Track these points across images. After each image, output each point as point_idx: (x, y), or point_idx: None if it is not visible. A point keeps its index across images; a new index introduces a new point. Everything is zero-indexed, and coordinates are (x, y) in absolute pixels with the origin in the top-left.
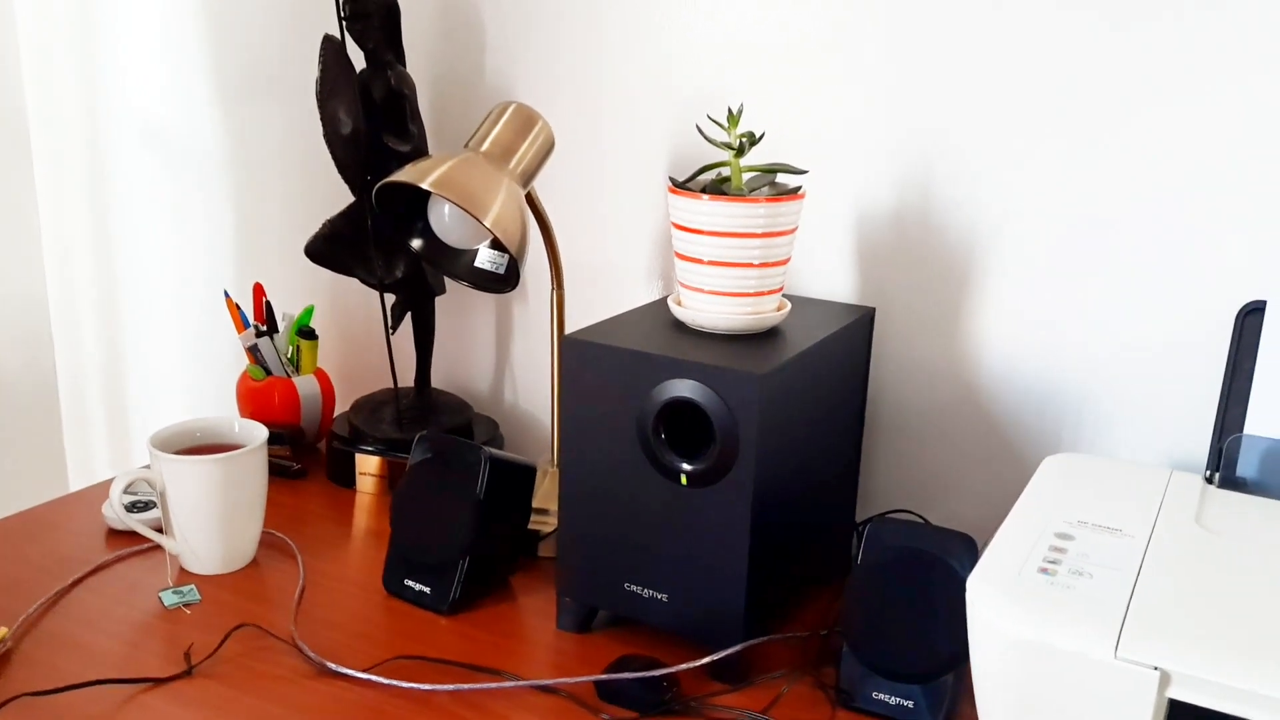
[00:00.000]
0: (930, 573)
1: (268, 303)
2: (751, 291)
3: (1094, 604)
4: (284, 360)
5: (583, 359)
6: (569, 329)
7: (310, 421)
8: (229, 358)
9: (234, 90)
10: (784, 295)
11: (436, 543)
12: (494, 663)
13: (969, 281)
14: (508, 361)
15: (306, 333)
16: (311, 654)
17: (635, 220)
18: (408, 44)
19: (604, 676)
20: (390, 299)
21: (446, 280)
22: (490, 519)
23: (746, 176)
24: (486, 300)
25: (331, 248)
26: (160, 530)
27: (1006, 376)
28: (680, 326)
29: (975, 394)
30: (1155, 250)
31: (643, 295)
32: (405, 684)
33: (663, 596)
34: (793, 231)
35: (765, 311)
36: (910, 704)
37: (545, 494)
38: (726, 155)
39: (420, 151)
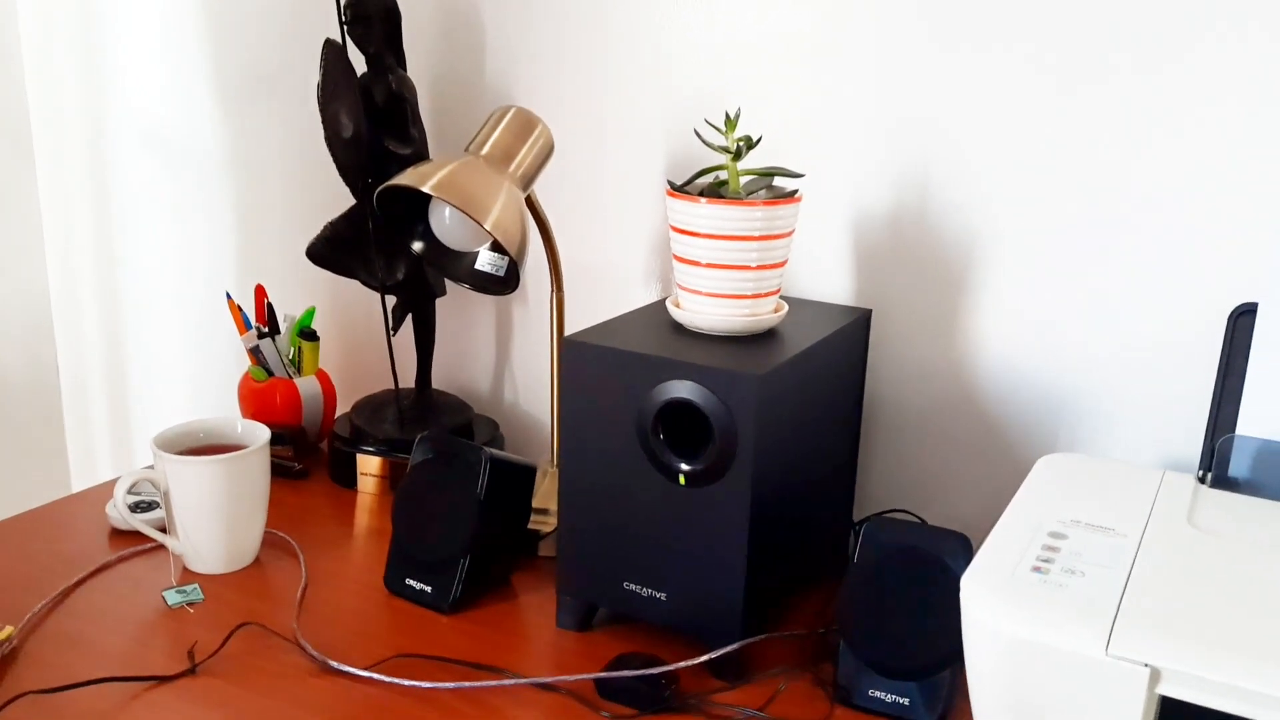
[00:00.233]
0: (926, 571)
1: (269, 304)
2: (749, 294)
3: (1086, 602)
4: (285, 361)
5: (582, 360)
6: (568, 330)
7: (312, 422)
8: (231, 359)
9: (235, 93)
10: (781, 297)
11: (437, 542)
12: (495, 661)
13: (965, 283)
14: (508, 362)
15: (308, 334)
16: (314, 652)
17: (634, 223)
18: (408, 48)
19: (603, 674)
20: (391, 300)
21: (447, 282)
22: (491, 518)
23: (744, 180)
24: (487, 302)
25: (333, 250)
26: (163, 530)
27: (1002, 377)
28: (678, 328)
29: (971, 394)
30: (1149, 253)
31: (641, 297)
32: (407, 681)
33: (661, 595)
34: (789, 234)
35: (762, 313)
36: (906, 701)
37: (545, 494)
38: (724, 159)
39: (421, 155)
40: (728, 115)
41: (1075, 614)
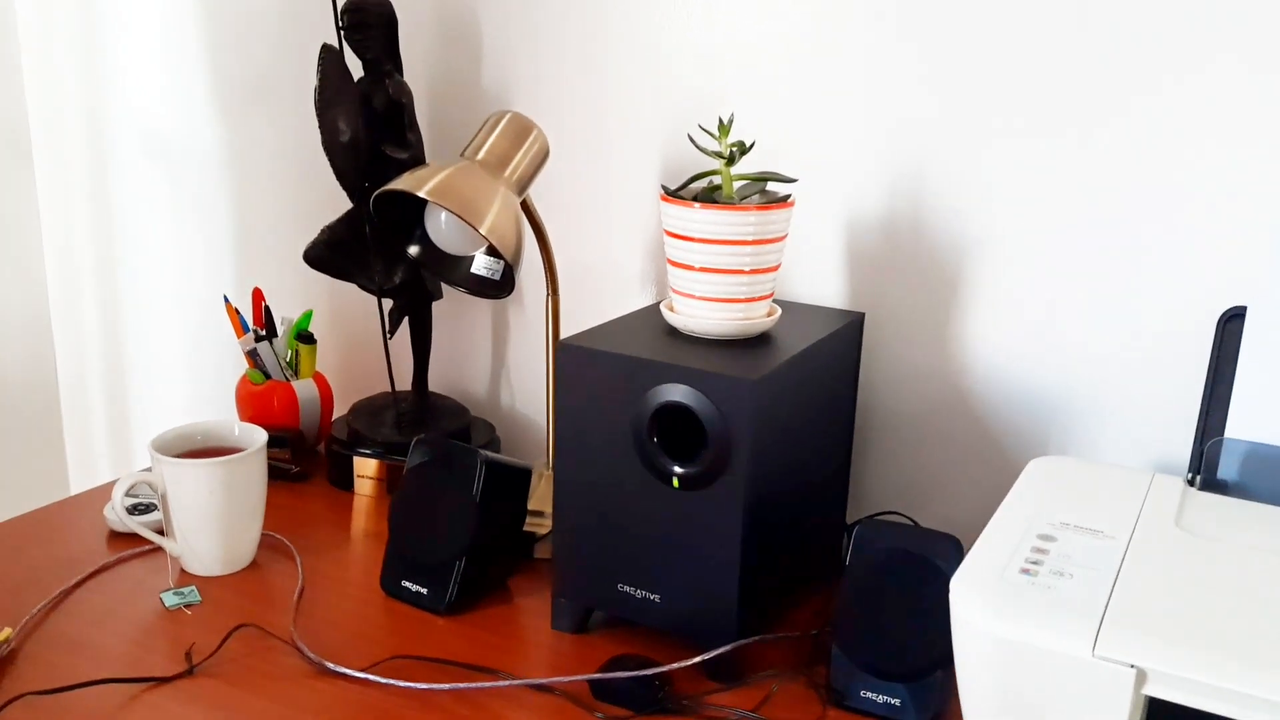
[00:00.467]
0: (918, 573)
1: (267, 307)
2: (742, 297)
3: (1073, 604)
4: (283, 364)
5: (577, 364)
6: (564, 334)
7: (309, 425)
8: (228, 362)
9: (234, 97)
10: (774, 301)
11: (434, 544)
12: (490, 662)
13: (957, 287)
14: (504, 366)
15: (305, 337)
16: (311, 654)
17: (629, 227)
18: (405, 53)
19: (598, 675)
20: (388, 304)
21: (443, 286)
22: (487, 521)
23: (737, 185)
24: (483, 306)
25: (330, 254)
26: (161, 532)
27: (994, 380)
28: (673, 332)
29: (964, 397)
30: (1139, 258)
31: (636, 301)
32: (403, 683)
33: (656, 597)
34: (783, 238)
35: (756, 317)
36: (897, 702)
37: (541, 496)
38: (718, 164)
39: (418, 160)
40: (721, 121)
41: (1062, 615)
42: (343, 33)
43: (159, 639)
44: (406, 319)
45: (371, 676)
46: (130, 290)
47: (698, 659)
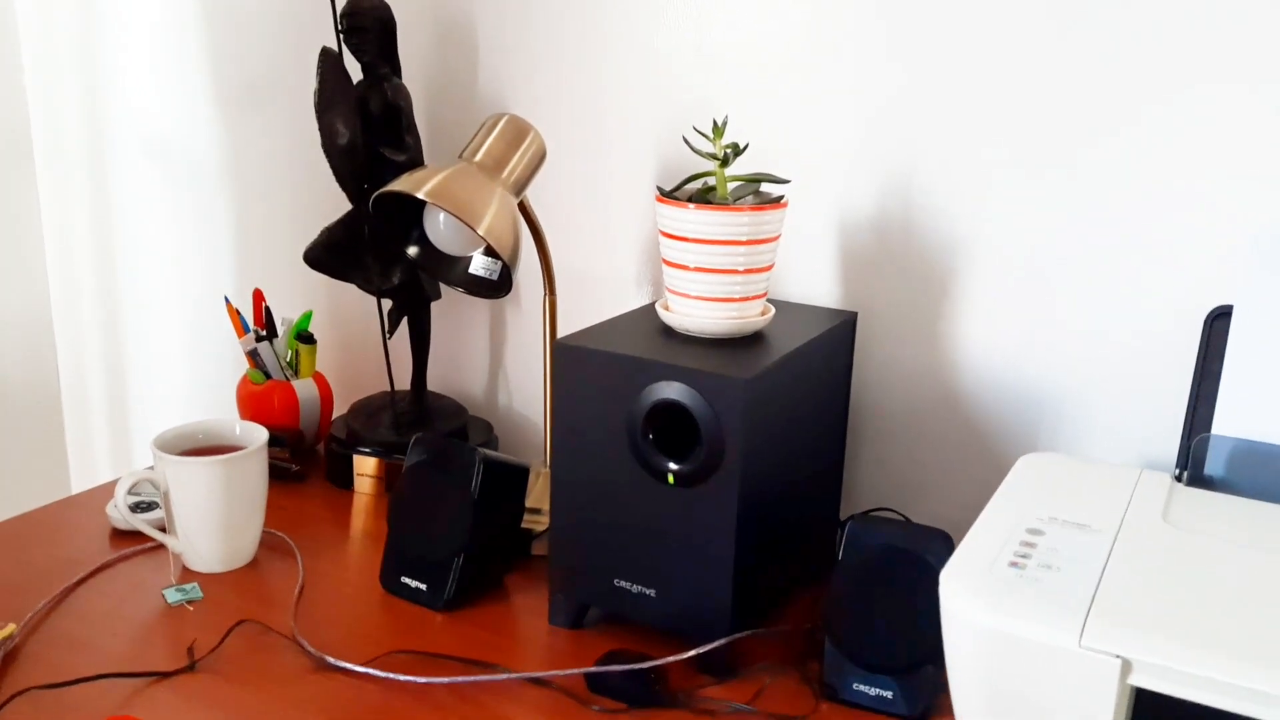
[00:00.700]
0: (909, 569)
1: (267, 308)
2: (736, 297)
3: (1060, 596)
4: (283, 364)
5: (574, 363)
6: (561, 334)
7: (309, 424)
8: (229, 362)
9: (234, 100)
10: (768, 300)
11: (432, 541)
12: (488, 657)
13: (949, 287)
14: (502, 366)
15: (305, 337)
16: (311, 649)
17: (625, 228)
18: (403, 56)
19: (593, 669)
20: (387, 305)
21: (442, 286)
22: (484, 518)
23: (731, 186)
24: (481, 306)
25: (329, 255)
26: (163, 529)
27: (985, 378)
28: (668, 331)
29: (955, 396)
30: (1128, 257)
31: (632, 301)
32: (402, 677)
33: (651, 592)
34: (776, 239)
35: (750, 316)
36: (889, 695)
37: (538, 494)
38: (712, 165)
39: (416, 162)
40: (715, 123)
41: (1050, 607)
42: (341, 36)
43: (161, 635)
44: (405, 319)
45: (371, 671)
46: (131, 291)
47: (692, 653)
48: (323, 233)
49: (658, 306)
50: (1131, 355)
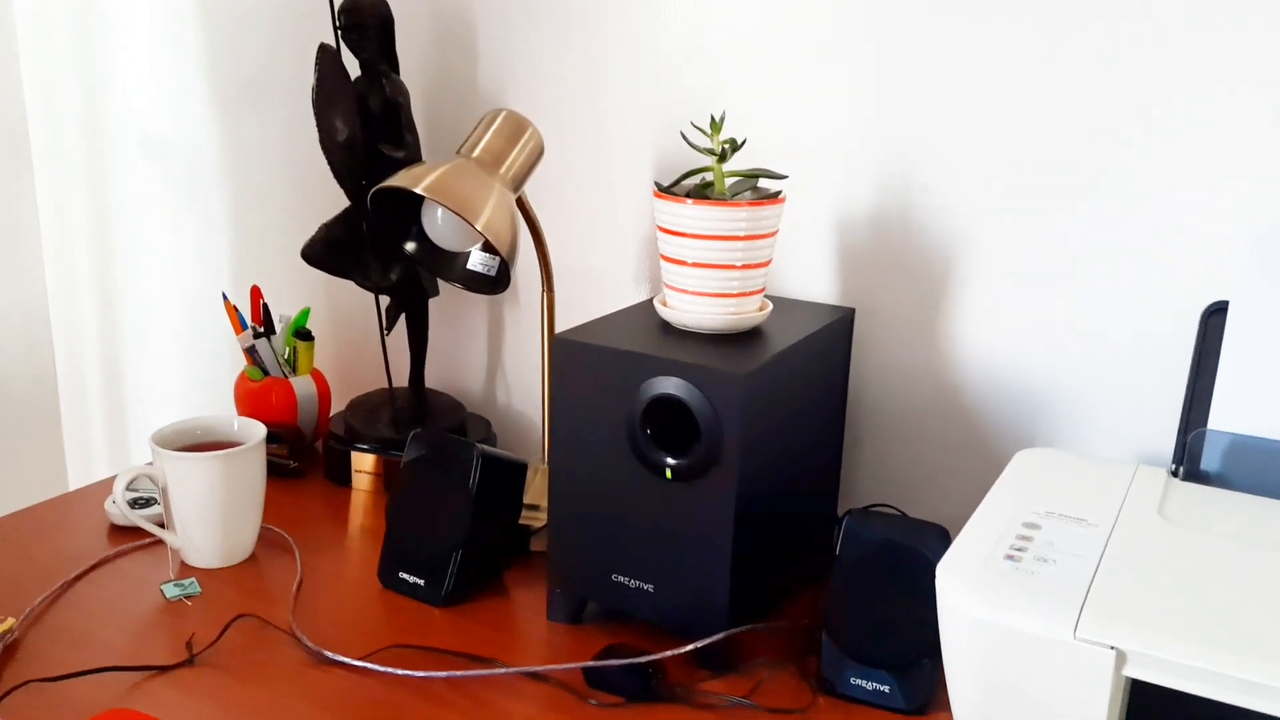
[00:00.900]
0: (906, 563)
1: (265, 305)
2: (734, 292)
3: (1056, 588)
4: (281, 361)
5: (572, 358)
6: (559, 330)
7: (307, 421)
8: (227, 359)
9: (232, 97)
10: (766, 296)
11: (430, 537)
12: (486, 652)
13: (947, 283)
14: (500, 362)
15: (303, 334)
16: (309, 643)
17: (623, 224)
18: (401, 53)
19: (592, 664)
20: (385, 302)
21: (440, 283)
22: (482, 514)
23: (729, 181)
24: (479, 302)
25: (328, 252)
26: (162, 525)
27: (983, 374)
28: (666, 326)
29: (953, 393)
30: (1125, 254)
31: (631, 297)
32: (400, 671)
33: (649, 587)
34: (773, 234)
35: (747, 312)
36: (886, 690)
37: (537, 491)
38: (710, 161)
39: (414, 158)
40: (713, 118)
41: (1045, 599)
42: (340, 33)
43: (159, 629)
44: (403, 316)
45: (369, 665)
46: (128, 288)
47: (689, 648)
48: (321, 230)
49: (656, 302)
50: (1129, 352)
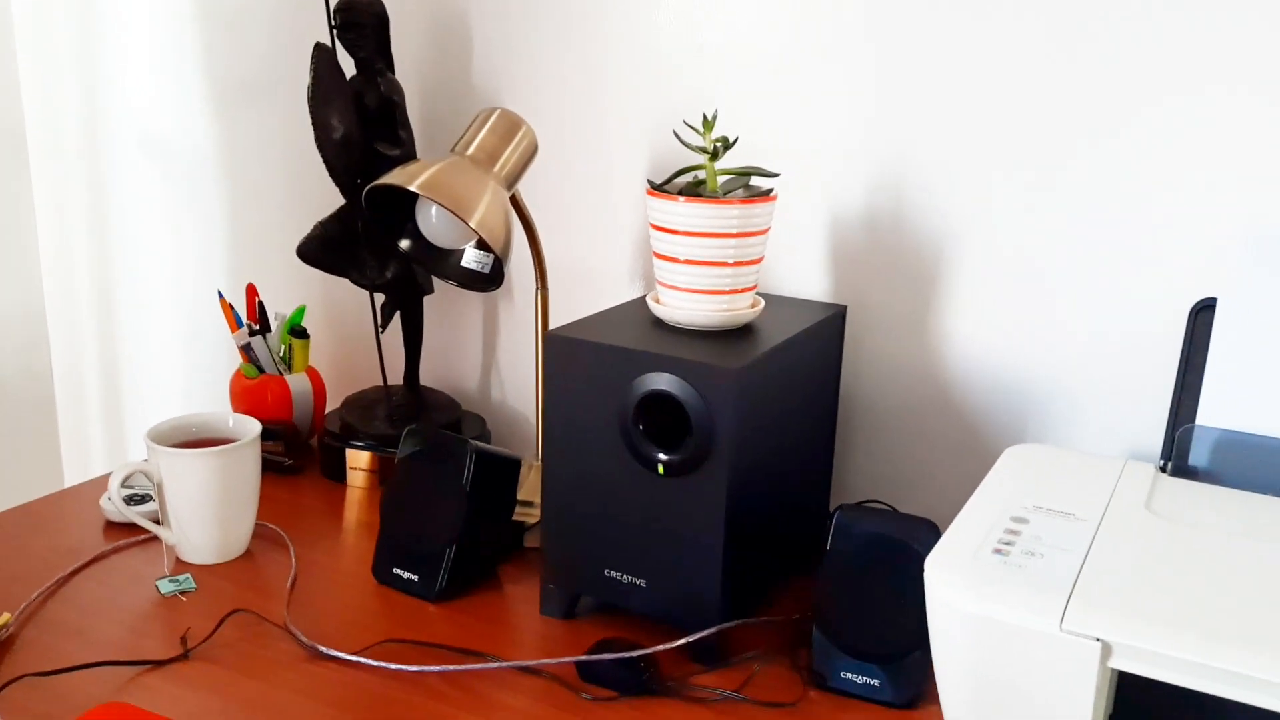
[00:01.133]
0: (896, 557)
1: (260, 302)
2: (726, 289)
3: (1043, 581)
4: (276, 359)
5: (565, 354)
6: (553, 327)
7: (302, 418)
8: (223, 356)
9: (228, 95)
10: (758, 293)
11: (425, 533)
12: (480, 647)
13: (938, 281)
14: (495, 360)
15: (298, 332)
16: (303, 638)
17: (616, 221)
18: (397, 52)
19: (584, 658)
20: (380, 299)
21: (434, 280)
22: (476, 510)
23: (721, 179)
24: (474, 301)
25: (323, 249)
26: (157, 521)
27: (973, 372)
28: (659, 323)
29: (944, 389)
30: (1114, 252)
31: (625, 294)
32: (394, 665)
33: (641, 582)
34: (765, 232)
35: (740, 309)
36: (876, 683)
37: (531, 487)
38: (702, 159)
39: (409, 156)
40: (705, 117)
41: (1032, 592)
42: (335, 31)
43: (155, 624)
44: (398, 314)
45: (363, 660)
46: (125, 285)
47: (681, 642)
48: (316, 227)
49: (648, 299)
50: (1118, 348)
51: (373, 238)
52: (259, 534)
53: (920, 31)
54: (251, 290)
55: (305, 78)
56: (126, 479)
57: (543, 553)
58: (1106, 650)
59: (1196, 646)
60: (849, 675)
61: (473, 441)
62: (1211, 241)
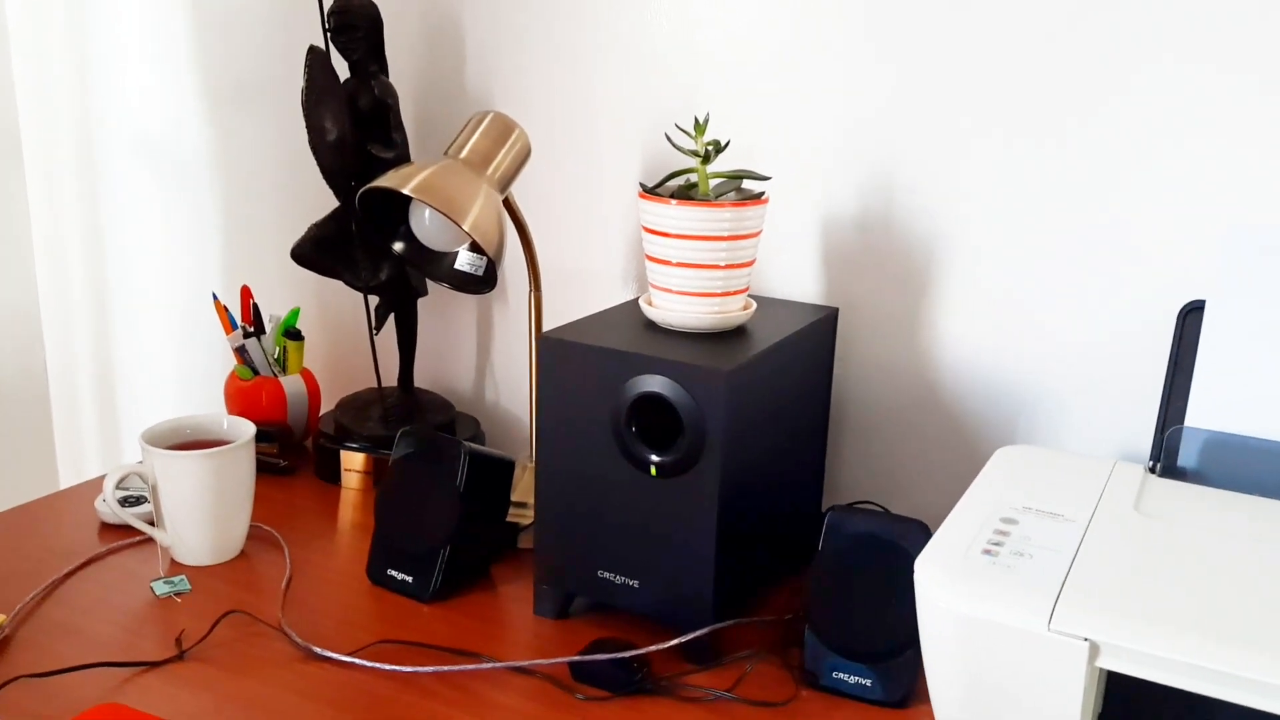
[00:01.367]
0: (887, 558)
1: (255, 305)
2: (718, 292)
3: (1031, 581)
4: (271, 361)
5: (558, 356)
6: (546, 329)
7: (297, 420)
8: (217, 358)
9: (222, 98)
10: (750, 296)
11: (419, 534)
12: (474, 647)
13: (928, 284)
14: (488, 362)
15: (293, 334)
16: (298, 639)
17: (609, 224)
18: (391, 54)
19: (578, 658)
20: (374, 300)
21: (428, 282)
22: (470, 511)
23: (713, 182)
24: (467, 302)
25: (317, 251)
26: (151, 523)
27: (964, 374)
28: (651, 325)
29: (935, 390)
30: (1103, 254)
31: (618, 296)
32: (388, 666)
33: (634, 583)
34: (757, 235)
35: (731, 311)
36: (868, 683)
37: (524, 488)
38: (694, 162)
39: (403, 159)
40: (697, 120)
41: (1020, 592)
42: (329, 34)
43: (150, 625)
44: (392, 316)
45: (357, 660)
46: (119, 288)
47: (674, 642)
48: (310, 229)
49: (641, 301)
50: (1107, 351)
51: (367, 240)
52: (254, 535)
53: (912, 36)
54: (246, 292)
55: (299, 80)
56: (121, 481)
57: (536, 553)
58: (1094, 650)
59: (1185, 646)
60: (840, 675)
61: (466, 443)
62: (1200, 243)
